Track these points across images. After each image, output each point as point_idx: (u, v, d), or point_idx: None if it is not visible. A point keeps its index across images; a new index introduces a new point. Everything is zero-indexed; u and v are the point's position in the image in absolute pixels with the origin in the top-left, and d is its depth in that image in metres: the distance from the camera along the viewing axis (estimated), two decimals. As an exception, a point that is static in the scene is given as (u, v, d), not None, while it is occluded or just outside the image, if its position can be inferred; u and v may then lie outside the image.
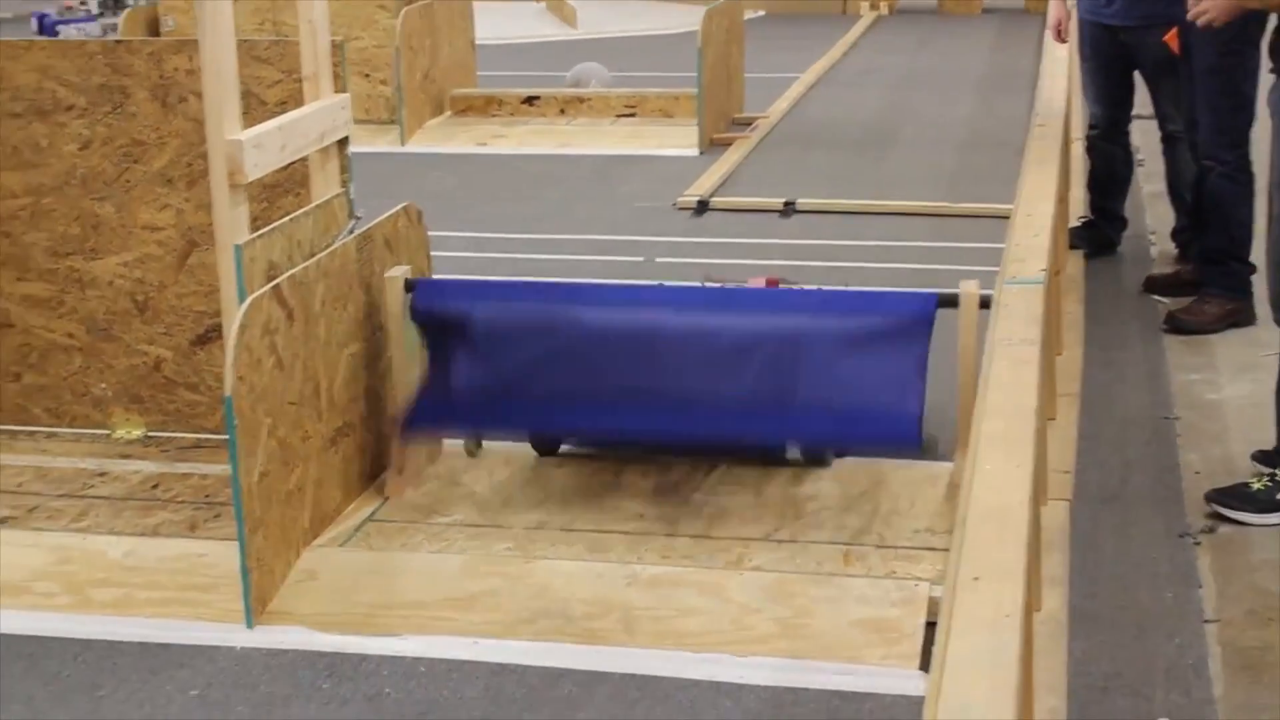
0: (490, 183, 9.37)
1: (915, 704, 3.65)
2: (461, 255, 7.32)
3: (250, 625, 4.16)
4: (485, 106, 11.26)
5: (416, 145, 10.46)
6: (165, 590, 4.39)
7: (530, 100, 11.27)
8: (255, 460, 4.20)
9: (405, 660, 3.98)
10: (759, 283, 5.14)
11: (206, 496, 4.91)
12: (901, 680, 3.81)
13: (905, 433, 4.50)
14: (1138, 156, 7.71)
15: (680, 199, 8.68)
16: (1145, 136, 7.98)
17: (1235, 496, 4.65)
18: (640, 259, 7.50)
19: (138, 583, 4.43)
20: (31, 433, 5.44)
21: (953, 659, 2.66)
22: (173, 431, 5.36)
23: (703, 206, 8.59)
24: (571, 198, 9.02)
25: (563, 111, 11.22)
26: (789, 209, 8.41)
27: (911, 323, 4.59)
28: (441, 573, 4.41)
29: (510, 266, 7.29)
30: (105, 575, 4.49)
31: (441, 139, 10.67)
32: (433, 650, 4.02)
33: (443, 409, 4.86)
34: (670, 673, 3.91)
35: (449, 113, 11.21)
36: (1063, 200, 6.39)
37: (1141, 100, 7.18)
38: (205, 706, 3.83)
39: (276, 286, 4.35)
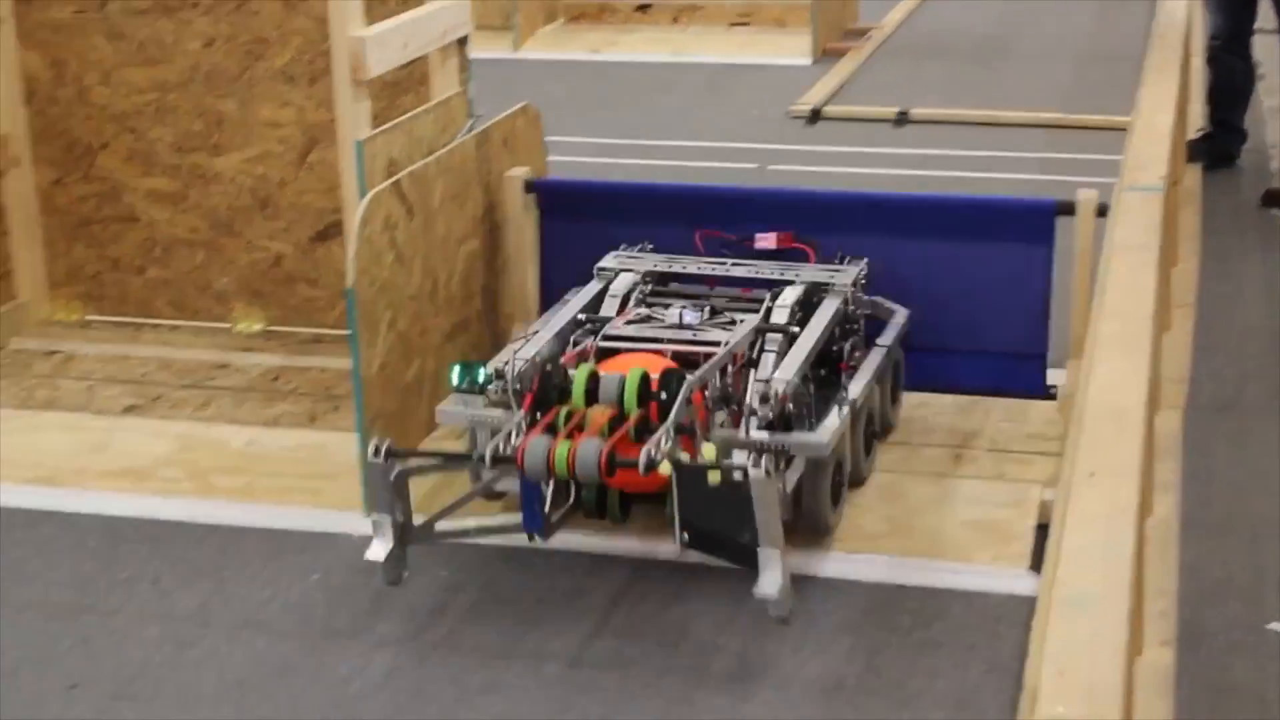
0: (603, 89, 9.39)
1: (1024, 603, 3.67)
2: (574, 160, 7.35)
3: (368, 513, 4.24)
4: (598, 14, 11.26)
5: (530, 51, 10.50)
6: (286, 479, 4.50)
7: (643, 8, 11.26)
8: (375, 352, 4.27)
9: (522, 547, 4.05)
10: (769, 241, 4.64)
11: (326, 389, 5.00)
12: (1011, 580, 3.84)
13: (1031, 382, 4.61)
14: (1259, 70, 7.60)
15: (793, 108, 8.66)
16: (1267, 50, 7.86)
17: (1352, 409, 4.63)
18: (753, 166, 7.50)
19: (259, 471, 4.55)
20: (155, 325, 5.56)
21: (1068, 551, 2.69)
22: (292, 326, 5.46)
23: (815, 115, 8.57)
24: (684, 105, 9.02)
25: (676, 19, 11.20)
26: (902, 119, 8.38)
27: (1032, 240, 4.59)
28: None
29: (623, 173, 7.31)
30: (228, 463, 4.60)
31: (554, 45, 10.69)
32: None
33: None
34: (806, 569, 3.94)
35: (562, 19, 11.24)
36: (1182, 112, 6.32)
37: (1264, 14, 7.07)
38: (325, 590, 3.93)
39: (397, 182, 4.40)
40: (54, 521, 4.33)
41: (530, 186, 4.95)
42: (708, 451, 3.60)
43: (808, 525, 3.98)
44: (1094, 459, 2.98)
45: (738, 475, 3.48)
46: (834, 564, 3.97)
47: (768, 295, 4.26)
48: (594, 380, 3.73)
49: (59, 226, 5.55)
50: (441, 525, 3.88)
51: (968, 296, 4.63)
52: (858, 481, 4.24)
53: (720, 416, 3.91)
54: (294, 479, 4.48)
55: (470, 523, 3.96)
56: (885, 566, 3.97)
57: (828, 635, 3.69)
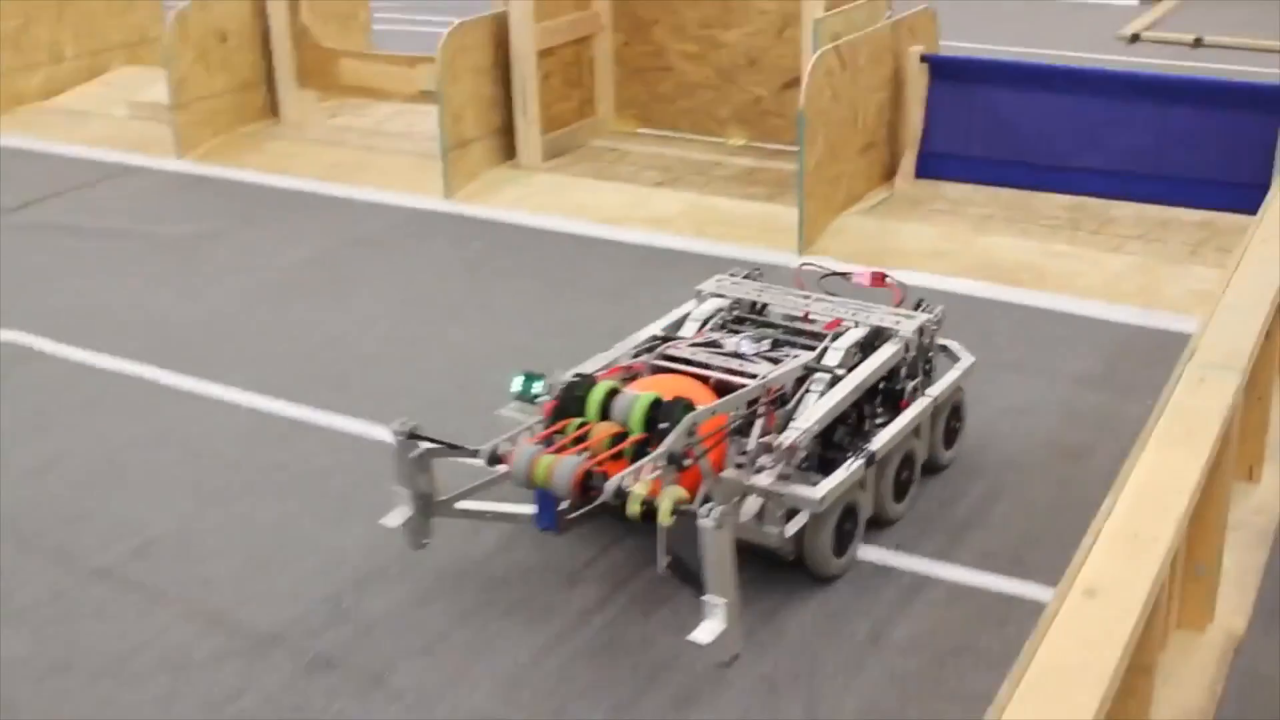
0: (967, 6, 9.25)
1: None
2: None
3: (799, 253, 4.65)
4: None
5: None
6: (752, 230, 4.91)
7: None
8: (813, 154, 4.64)
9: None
10: (864, 279, 3.45)
11: (782, 181, 5.34)
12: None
13: (1255, 205, 4.54)
14: None
15: (1120, 31, 8.47)
16: None
17: None
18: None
19: (737, 225, 4.97)
20: (678, 138, 5.95)
21: (1227, 297, 2.88)
22: (764, 142, 5.77)
23: (1135, 38, 8.38)
24: (1033, 28, 8.85)
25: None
26: (1198, 43, 8.11)
27: (1265, 110, 4.57)
28: (922, 235, 4.74)
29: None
30: (717, 219, 5.04)
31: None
32: (909, 280, 4.33)
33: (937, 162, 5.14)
34: (1063, 309, 4.19)
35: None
36: None
37: None
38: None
39: (837, 46, 4.71)
40: (607, 246, 4.87)
41: (924, 59, 5.18)
42: (672, 494, 2.57)
43: (811, 570, 2.93)
44: (1255, 253, 3.11)
45: (701, 521, 2.48)
46: (1097, 309, 4.16)
47: (828, 336, 3.18)
48: (613, 396, 2.79)
49: (624, 72, 6.01)
50: (464, 504, 2.95)
51: (1217, 144, 4.70)
52: (886, 523, 3.12)
53: (740, 449, 2.86)
54: (757, 231, 4.89)
55: (489, 506, 2.96)
56: (1132, 313, 4.14)
57: (1042, 354, 3.93)
